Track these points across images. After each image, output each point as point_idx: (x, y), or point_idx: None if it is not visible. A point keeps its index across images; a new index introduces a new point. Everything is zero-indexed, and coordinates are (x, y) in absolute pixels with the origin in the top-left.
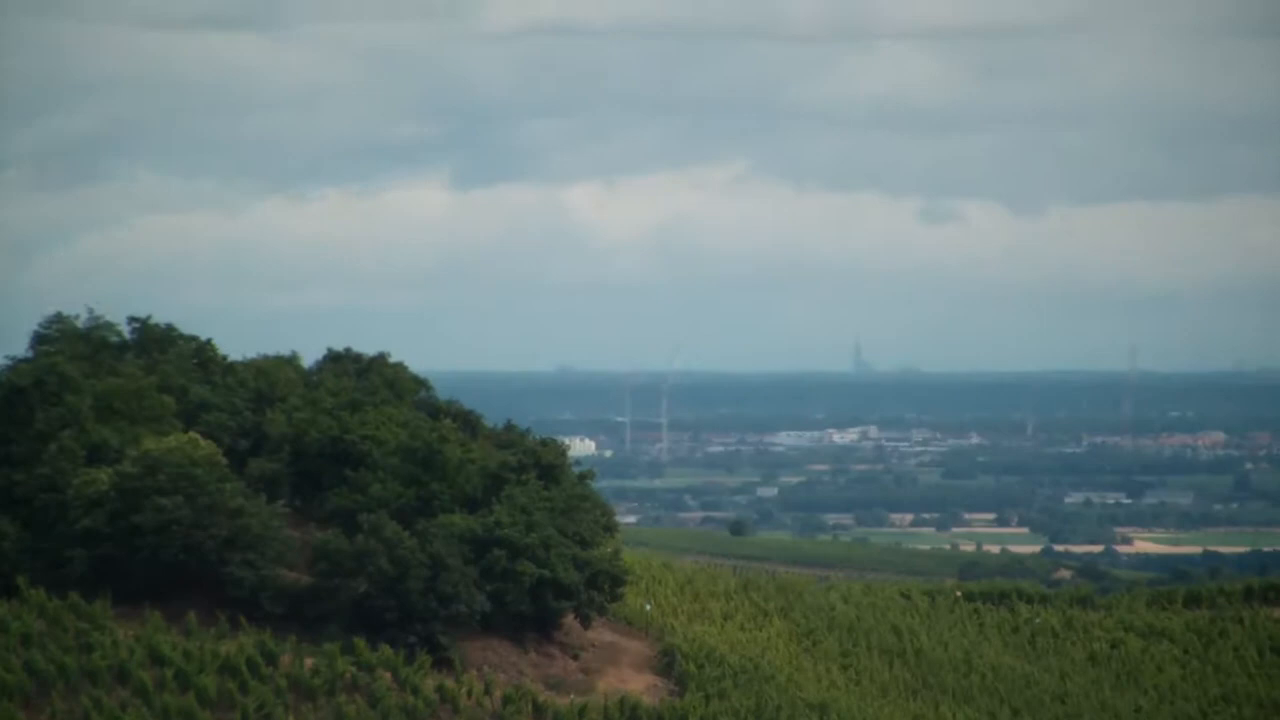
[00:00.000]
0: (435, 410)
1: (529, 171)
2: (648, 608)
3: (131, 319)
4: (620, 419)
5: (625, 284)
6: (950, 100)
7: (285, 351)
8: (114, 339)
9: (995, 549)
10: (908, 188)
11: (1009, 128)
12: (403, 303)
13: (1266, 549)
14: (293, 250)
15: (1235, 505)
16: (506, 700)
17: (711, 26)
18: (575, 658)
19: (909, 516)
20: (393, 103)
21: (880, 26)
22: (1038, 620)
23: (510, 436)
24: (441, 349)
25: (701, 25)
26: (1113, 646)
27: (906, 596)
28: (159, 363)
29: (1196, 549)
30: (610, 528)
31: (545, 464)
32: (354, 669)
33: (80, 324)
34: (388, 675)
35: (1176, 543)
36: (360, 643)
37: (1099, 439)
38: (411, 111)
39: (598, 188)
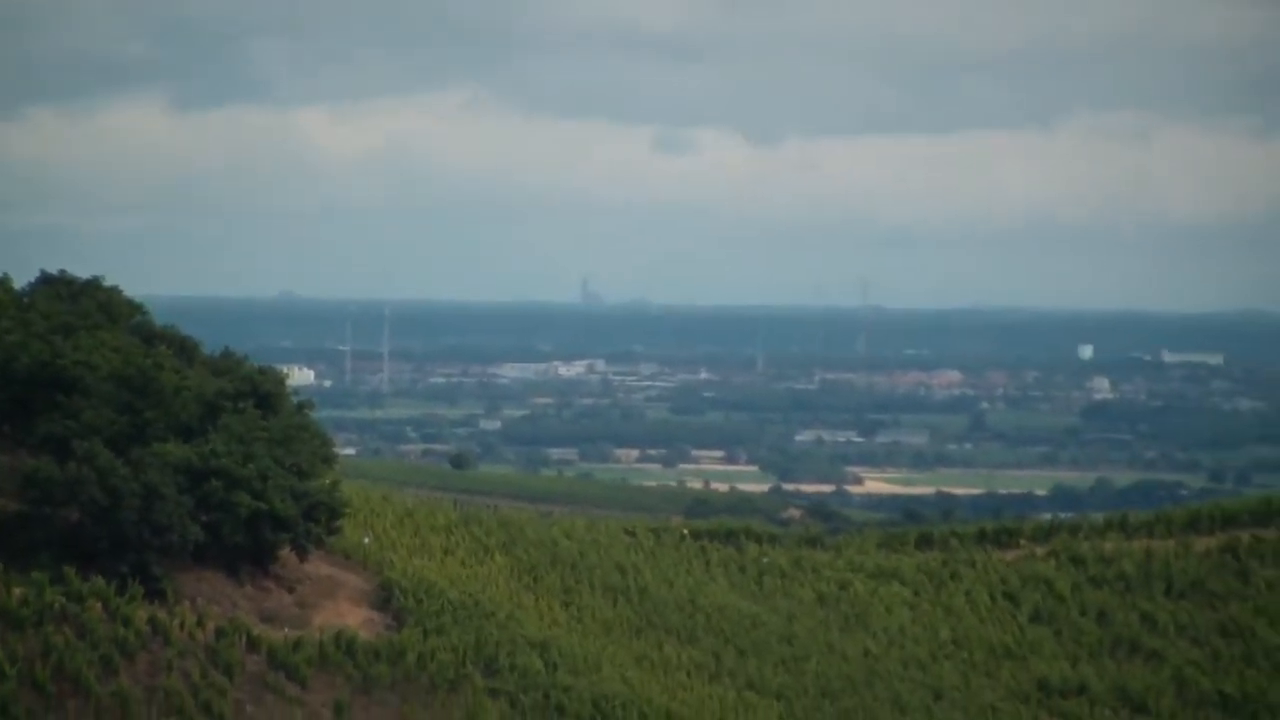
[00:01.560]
0: (150, 336)
1: (255, 94)
2: (366, 541)
3: None
4: (341, 348)
5: (350, 210)
6: (682, 27)
7: None
8: None
9: (724, 487)
10: (642, 116)
11: (744, 56)
12: (120, 227)
13: (1000, 491)
14: None
15: (970, 446)
16: (220, 633)
17: None
18: (291, 591)
19: (635, 452)
20: (106, 18)
21: None
22: (765, 560)
23: (227, 364)
24: (160, 274)
25: None
26: (841, 588)
27: (631, 534)
28: None
29: (929, 490)
30: (329, 459)
31: (263, 392)
32: (63, 599)
33: None
34: (98, 605)
35: (909, 483)
36: (70, 572)
37: (831, 376)
38: (127, 29)
39: (325, 112)
